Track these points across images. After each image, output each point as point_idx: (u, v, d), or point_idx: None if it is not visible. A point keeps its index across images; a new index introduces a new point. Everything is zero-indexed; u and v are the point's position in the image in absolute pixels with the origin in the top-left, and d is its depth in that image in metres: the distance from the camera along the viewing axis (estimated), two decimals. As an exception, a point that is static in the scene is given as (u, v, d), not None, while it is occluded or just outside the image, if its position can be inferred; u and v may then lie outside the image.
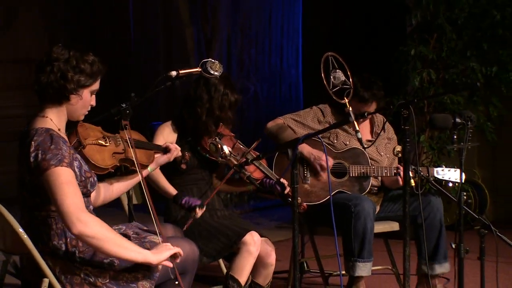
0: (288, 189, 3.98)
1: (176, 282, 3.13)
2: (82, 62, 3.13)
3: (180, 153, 3.81)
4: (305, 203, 3.94)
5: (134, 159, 3.39)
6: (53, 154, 3.00)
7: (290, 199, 3.70)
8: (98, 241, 2.95)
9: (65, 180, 2.98)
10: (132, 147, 3.39)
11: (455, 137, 4.15)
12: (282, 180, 4.01)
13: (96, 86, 3.21)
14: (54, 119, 3.14)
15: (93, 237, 2.94)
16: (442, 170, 4.73)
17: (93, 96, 3.22)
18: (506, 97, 6.81)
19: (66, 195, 2.95)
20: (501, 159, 7.63)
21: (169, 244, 3.13)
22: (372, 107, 4.74)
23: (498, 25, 6.58)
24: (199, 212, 4.03)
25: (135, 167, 3.42)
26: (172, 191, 4.16)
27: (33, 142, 3.03)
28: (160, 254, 3.06)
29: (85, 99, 3.18)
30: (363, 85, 4.70)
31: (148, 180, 3.97)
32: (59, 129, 3.14)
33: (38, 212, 3.11)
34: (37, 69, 3.13)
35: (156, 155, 3.70)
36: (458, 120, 4.06)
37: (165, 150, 3.74)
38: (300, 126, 4.81)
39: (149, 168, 3.63)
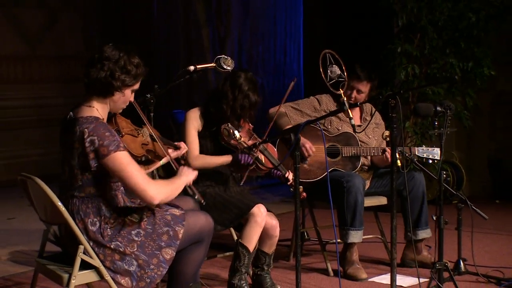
0: (291, 180, 3.95)
1: (196, 197, 3.46)
2: (129, 64, 3.11)
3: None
4: (304, 193, 3.91)
5: (156, 151, 3.45)
6: (110, 140, 2.98)
7: (292, 189, 3.69)
8: (168, 198, 3.14)
9: (126, 162, 3.00)
10: (158, 141, 3.46)
11: (436, 123, 4.14)
12: (287, 175, 3.96)
13: (137, 86, 3.19)
14: (99, 110, 3.12)
15: (166, 198, 3.12)
16: (423, 149, 4.70)
17: (133, 93, 3.21)
18: (480, 89, 6.82)
19: (133, 175, 3.00)
20: (476, 143, 7.62)
21: (187, 169, 3.36)
22: (366, 86, 4.70)
23: (474, 26, 6.55)
24: (257, 152, 3.99)
25: (155, 158, 3.48)
26: (227, 158, 4.09)
27: (86, 129, 2.99)
28: (188, 176, 3.31)
29: (127, 96, 3.17)
30: (360, 66, 4.69)
31: (202, 165, 4.01)
32: (102, 118, 3.12)
33: (78, 193, 3.08)
34: (88, 64, 3.10)
35: (169, 151, 3.69)
36: (438, 108, 4.05)
37: (176, 147, 3.72)
38: (298, 113, 4.78)
39: (161, 161, 3.60)
